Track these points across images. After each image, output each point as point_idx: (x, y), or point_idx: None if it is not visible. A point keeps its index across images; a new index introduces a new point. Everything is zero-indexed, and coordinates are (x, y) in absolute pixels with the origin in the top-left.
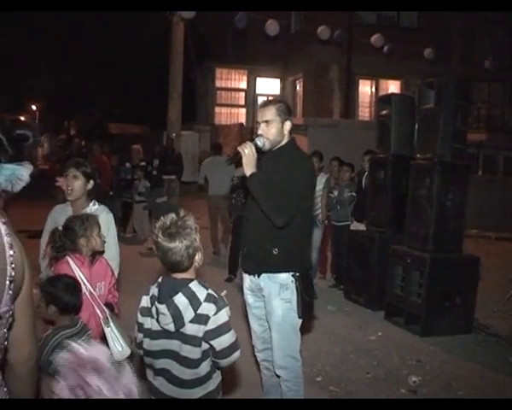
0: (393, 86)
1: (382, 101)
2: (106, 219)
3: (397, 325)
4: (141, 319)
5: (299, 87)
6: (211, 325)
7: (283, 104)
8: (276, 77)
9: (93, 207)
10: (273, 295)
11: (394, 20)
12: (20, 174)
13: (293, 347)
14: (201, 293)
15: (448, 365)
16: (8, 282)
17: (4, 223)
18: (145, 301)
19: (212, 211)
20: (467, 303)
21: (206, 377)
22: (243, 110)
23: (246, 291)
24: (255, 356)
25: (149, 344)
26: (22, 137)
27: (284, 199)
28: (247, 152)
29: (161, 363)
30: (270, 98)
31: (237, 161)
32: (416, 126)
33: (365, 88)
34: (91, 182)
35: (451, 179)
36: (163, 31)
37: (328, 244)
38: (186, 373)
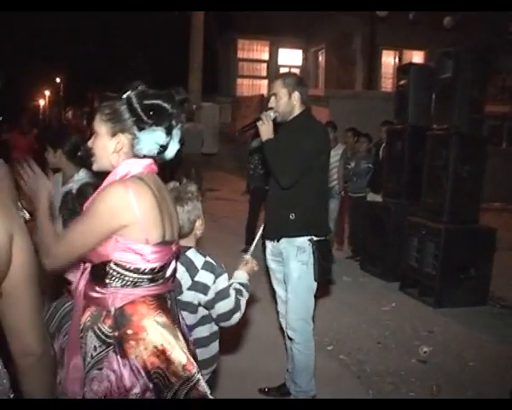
0: (417, 57)
1: (401, 71)
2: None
3: (411, 296)
4: None
5: (321, 58)
6: (211, 295)
7: (290, 76)
8: (299, 48)
9: (80, 175)
10: (291, 258)
11: None
12: (158, 140)
13: (306, 310)
14: (199, 260)
15: (460, 336)
16: None
17: None
18: None
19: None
20: (482, 275)
21: (202, 344)
22: (265, 82)
23: (268, 257)
24: (279, 322)
25: None
26: (154, 107)
27: (290, 160)
28: (262, 122)
29: None
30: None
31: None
32: (434, 97)
33: (389, 59)
34: (59, 151)
35: (468, 150)
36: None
37: (346, 216)
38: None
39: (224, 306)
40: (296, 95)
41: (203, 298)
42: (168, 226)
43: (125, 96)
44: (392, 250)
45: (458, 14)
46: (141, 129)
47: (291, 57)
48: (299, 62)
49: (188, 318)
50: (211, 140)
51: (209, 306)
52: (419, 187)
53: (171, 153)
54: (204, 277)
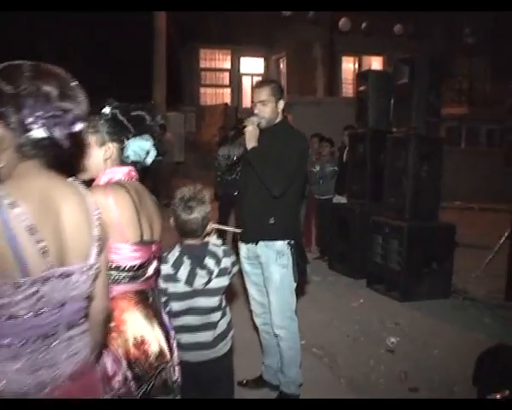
0: (376, 62)
1: (360, 77)
2: None
3: (378, 291)
4: (164, 284)
5: (282, 66)
6: (229, 269)
7: (277, 85)
8: (260, 56)
9: None
10: (271, 262)
11: None
12: (144, 147)
13: (290, 308)
14: (219, 251)
15: (426, 327)
16: (95, 240)
17: (89, 194)
18: (167, 269)
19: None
20: (444, 269)
21: (225, 312)
22: (228, 90)
23: (243, 260)
24: (253, 320)
25: (174, 306)
26: (138, 117)
27: (280, 170)
28: (251, 128)
29: (189, 320)
30: (265, 79)
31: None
32: (392, 101)
33: (349, 65)
34: None
35: (426, 151)
36: (145, 13)
37: (313, 217)
38: (213, 316)
39: (236, 268)
40: (281, 103)
41: (228, 277)
42: (147, 228)
43: (107, 111)
44: (358, 249)
45: (421, 22)
46: (128, 138)
47: (253, 65)
48: (261, 70)
49: (215, 301)
50: (177, 149)
51: (232, 276)
52: (381, 188)
53: (150, 159)
54: (225, 262)
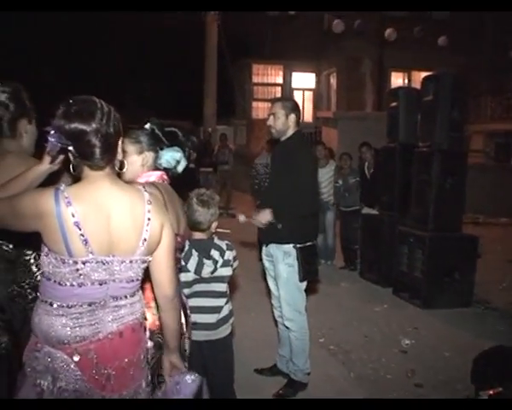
0: None
1: (391, 94)
2: None
3: (403, 299)
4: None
5: (332, 81)
6: (231, 263)
7: (289, 101)
8: (311, 71)
9: None
10: (279, 261)
11: (427, 12)
12: (175, 157)
13: (297, 303)
14: (223, 245)
15: (441, 332)
16: (141, 242)
17: (149, 201)
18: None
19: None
20: (465, 279)
21: (228, 299)
22: None
23: (263, 257)
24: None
25: (185, 291)
26: (172, 132)
27: (285, 204)
28: (241, 220)
29: (197, 301)
30: (282, 96)
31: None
32: (419, 117)
33: (398, 80)
34: None
35: (449, 165)
36: (198, 29)
37: None
38: (218, 301)
39: (236, 263)
40: (292, 117)
41: (230, 269)
42: (173, 222)
43: (147, 126)
44: (387, 258)
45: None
46: (162, 148)
47: (304, 80)
48: (313, 85)
49: (222, 287)
50: None
51: (234, 267)
52: (409, 199)
53: (181, 167)
54: (228, 255)
